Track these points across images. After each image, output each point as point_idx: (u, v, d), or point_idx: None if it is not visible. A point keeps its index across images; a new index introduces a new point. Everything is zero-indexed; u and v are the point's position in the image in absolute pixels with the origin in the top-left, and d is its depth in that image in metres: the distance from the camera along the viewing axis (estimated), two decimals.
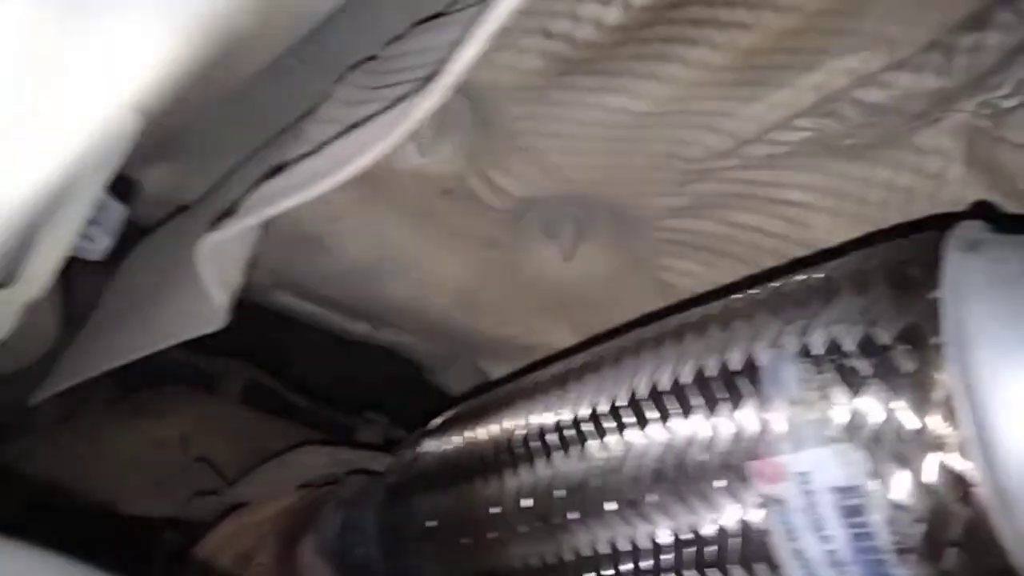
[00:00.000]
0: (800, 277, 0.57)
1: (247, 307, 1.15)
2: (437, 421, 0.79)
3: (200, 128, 0.85)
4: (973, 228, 0.53)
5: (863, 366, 0.49)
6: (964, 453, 0.46)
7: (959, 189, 0.76)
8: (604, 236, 0.91)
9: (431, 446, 0.76)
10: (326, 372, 1.47)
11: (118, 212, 0.71)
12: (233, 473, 1.09)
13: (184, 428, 1.16)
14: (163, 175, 0.98)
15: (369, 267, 0.95)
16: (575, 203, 0.88)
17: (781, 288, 0.58)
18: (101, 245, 0.71)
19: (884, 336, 0.49)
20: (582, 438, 0.62)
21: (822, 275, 0.56)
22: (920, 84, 0.72)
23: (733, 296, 0.61)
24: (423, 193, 0.87)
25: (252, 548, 0.94)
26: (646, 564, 0.58)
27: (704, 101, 0.76)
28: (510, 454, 0.67)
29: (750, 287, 0.61)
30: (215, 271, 0.66)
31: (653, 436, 0.57)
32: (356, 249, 0.93)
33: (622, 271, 0.93)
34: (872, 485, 0.48)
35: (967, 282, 0.48)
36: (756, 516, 0.52)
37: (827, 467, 0.49)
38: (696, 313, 0.62)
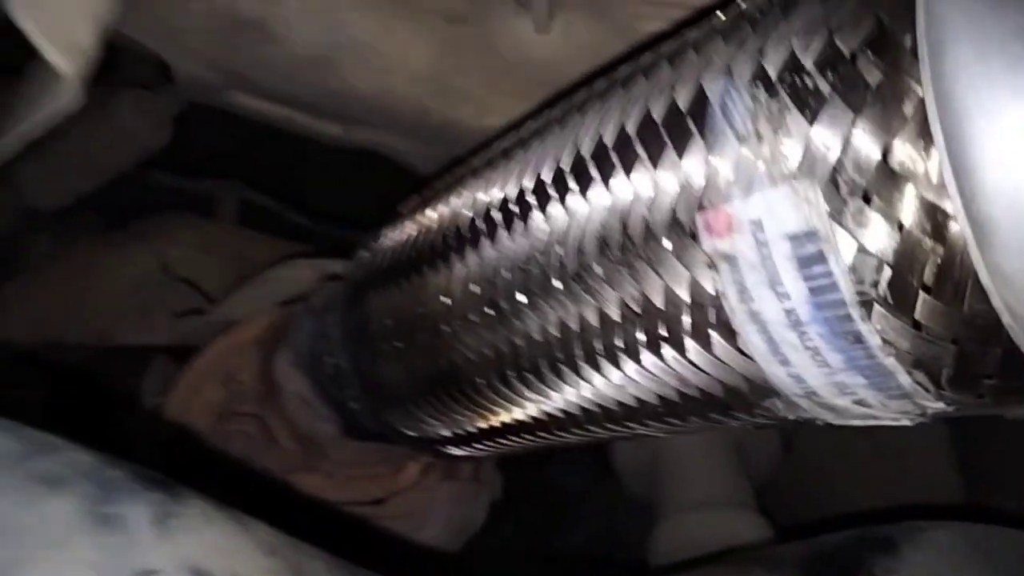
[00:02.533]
0: None
1: (236, 123, 1.11)
2: (397, 211, 0.74)
3: None
4: None
5: (823, 84, 0.41)
6: (938, 179, 0.38)
7: None
8: (580, 2, 0.82)
9: (387, 240, 0.71)
10: (329, 188, 1.43)
11: None
12: (218, 289, 1.06)
13: (168, 253, 1.13)
14: None
15: (322, 55, 0.88)
16: None
17: (741, 8, 0.49)
18: None
19: (848, 43, 0.41)
20: (525, 212, 0.56)
21: None
22: None
23: (690, 28, 0.53)
24: None
25: (237, 368, 0.93)
26: (598, 344, 0.53)
27: None
28: (457, 238, 0.61)
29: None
30: (39, 20, 0.56)
31: (595, 200, 0.51)
32: (303, 34, 0.86)
33: (604, 41, 0.84)
34: (830, 228, 0.41)
35: None
36: (706, 278, 0.46)
37: (780, 211, 0.42)
38: (649, 54, 0.54)
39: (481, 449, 0.71)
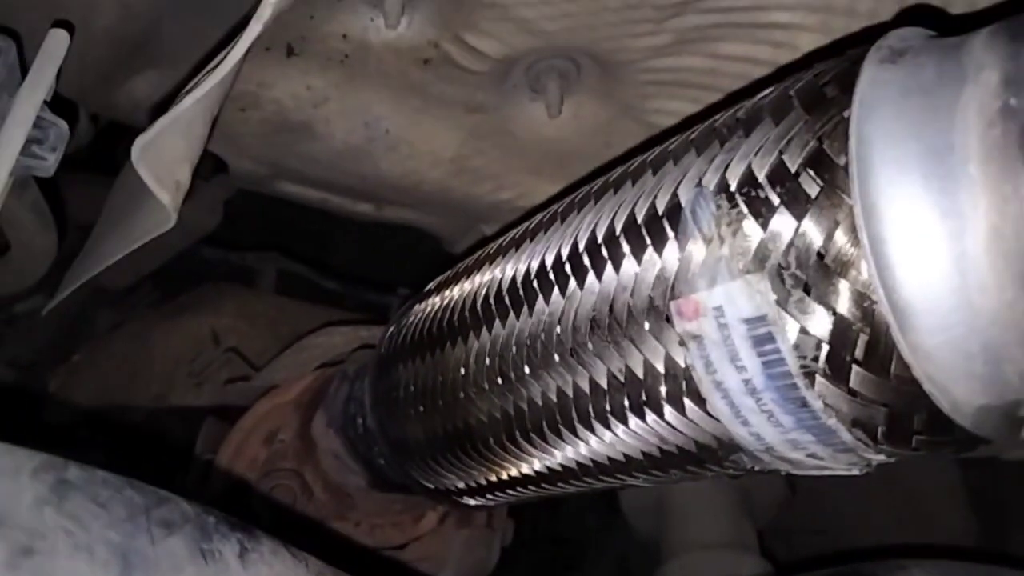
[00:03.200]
0: (732, 110, 0.58)
1: (267, 201, 1.22)
2: (427, 288, 0.84)
3: (169, 32, 0.89)
4: (901, 37, 0.51)
5: (773, 195, 0.50)
6: (865, 273, 0.47)
7: None
8: (590, 86, 0.92)
9: (413, 316, 0.81)
10: (358, 255, 1.54)
11: (61, 129, 0.76)
12: (264, 361, 1.17)
13: (216, 322, 1.24)
14: (146, 82, 1.01)
15: (359, 147, 0.98)
16: (556, 56, 0.89)
17: (714, 124, 0.58)
18: (48, 162, 0.76)
19: (793, 162, 0.49)
20: (531, 296, 0.65)
21: (750, 104, 0.56)
22: None
23: (672, 139, 0.62)
24: (401, 66, 0.89)
25: (279, 427, 1.02)
26: (591, 409, 0.61)
27: None
28: (473, 318, 0.70)
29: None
30: (153, 168, 0.68)
31: (589, 287, 0.60)
32: (343, 131, 0.96)
33: (612, 120, 0.94)
34: (778, 314, 0.49)
35: (878, 95, 0.47)
36: (679, 354, 0.55)
37: (737, 299, 0.51)
38: (636, 160, 0.63)
39: (492, 499, 0.79)
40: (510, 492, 0.77)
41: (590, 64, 0.90)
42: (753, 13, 0.80)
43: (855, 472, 0.56)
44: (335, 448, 0.95)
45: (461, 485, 0.79)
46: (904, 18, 0.71)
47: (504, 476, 0.74)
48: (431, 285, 0.83)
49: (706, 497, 1.28)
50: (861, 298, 0.47)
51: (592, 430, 0.62)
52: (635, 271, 0.56)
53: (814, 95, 0.51)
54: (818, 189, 0.48)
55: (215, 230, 1.38)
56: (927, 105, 0.46)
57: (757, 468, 0.58)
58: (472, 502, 0.82)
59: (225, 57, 0.66)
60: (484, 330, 0.69)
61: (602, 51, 0.87)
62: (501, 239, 0.75)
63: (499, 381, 0.67)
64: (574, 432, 0.64)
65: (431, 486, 0.83)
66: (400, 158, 1.01)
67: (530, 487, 0.74)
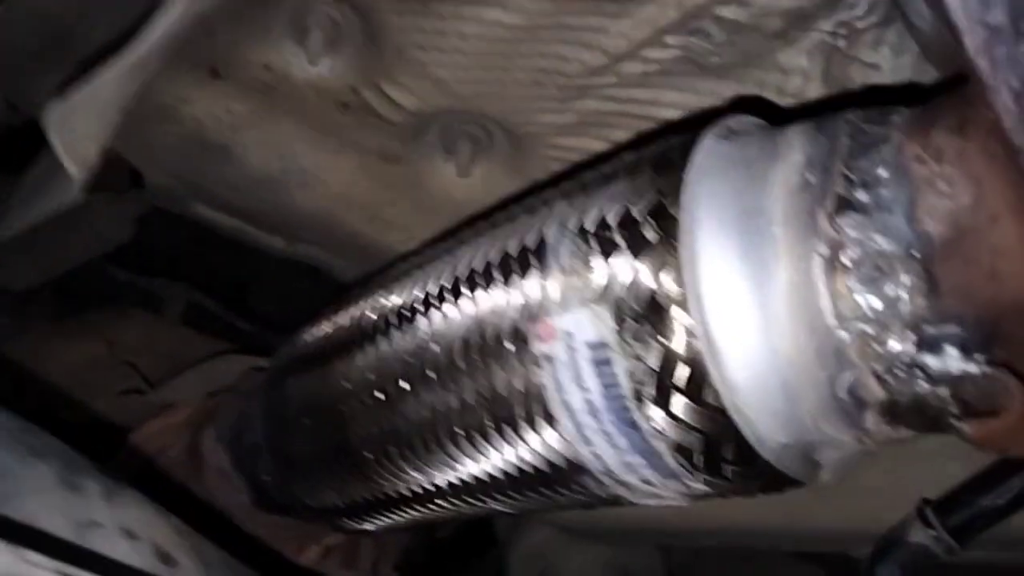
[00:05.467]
0: (599, 168, 0.71)
1: (185, 228, 1.32)
2: (320, 310, 0.95)
3: (94, 32, 1.00)
4: (740, 121, 0.66)
5: (618, 238, 0.62)
6: (686, 309, 0.59)
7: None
8: (499, 155, 1.04)
9: (306, 335, 0.92)
10: (270, 296, 1.63)
11: None
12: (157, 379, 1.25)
13: (115, 340, 1.32)
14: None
15: (274, 177, 1.09)
16: (468, 120, 1.01)
17: (583, 179, 0.71)
18: None
19: (638, 211, 0.62)
20: (413, 316, 0.76)
21: (612, 164, 0.69)
22: (777, 2, 0.84)
23: (550, 189, 0.74)
24: (321, 105, 1.01)
25: (169, 445, 1.11)
26: (461, 424, 0.72)
27: (575, 16, 0.88)
28: (360, 335, 0.82)
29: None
30: (63, 137, 0.80)
31: (464, 310, 0.72)
32: (259, 159, 1.07)
33: (518, 184, 1.06)
34: (615, 339, 0.61)
35: (710, 163, 0.61)
36: (535, 373, 0.66)
37: (584, 325, 0.63)
38: (517, 205, 0.76)
39: (369, 521, 0.89)
40: (386, 513, 0.87)
41: (500, 133, 1.03)
42: (648, 107, 0.94)
43: (684, 503, 0.68)
44: (222, 464, 1.04)
45: (340, 503, 0.89)
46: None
47: (380, 494, 0.84)
48: (324, 308, 0.94)
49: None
50: (685, 332, 0.59)
51: (459, 447, 0.73)
52: (505, 298, 0.68)
53: (662, 159, 0.64)
54: (657, 237, 0.61)
55: (125, 251, 1.45)
56: (746, 175, 0.60)
57: (603, 495, 0.69)
58: (350, 524, 0.92)
59: (146, 35, 0.75)
60: (369, 345, 0.79)
61: (511, 122, 1.00)
62: (393, 269, 0.86)
63: (380, 396, 0.78)
64: (444, 449, 0.74)
65: (313, 504, 0.92)
66: (313, 196, 1.12)
67: (404, 508, 0.84)
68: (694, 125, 0.66)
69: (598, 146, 0.99)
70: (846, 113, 0.59)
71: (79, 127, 0.80)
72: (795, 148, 0.59)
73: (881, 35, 0.84)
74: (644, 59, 0.91)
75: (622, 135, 0.98)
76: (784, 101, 0.90)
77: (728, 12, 0.86)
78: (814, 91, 0.89)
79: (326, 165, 1.09)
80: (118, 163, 1.08)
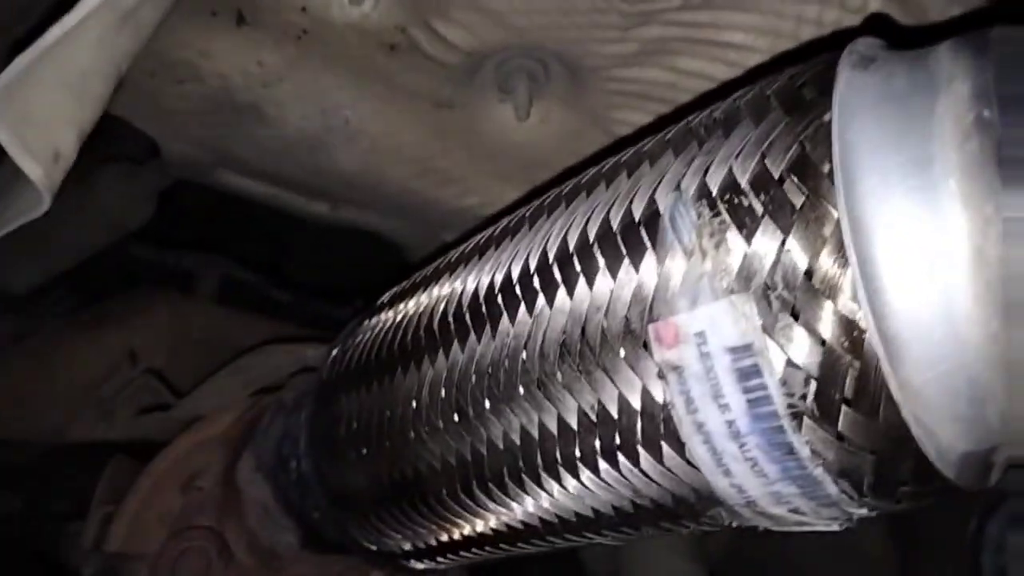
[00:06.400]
0: (708, 110, 0.60)
1: (220, 198, 1.21)
2: (379, 302, 0.84)
3: None
4: (868, 45, 0.54)
5: (756, 204, 0.51)
6: (853, 297, 0.47)
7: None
8: (558, 91, 0.97)
9: (361, 336, 0.80)
10: (314, 263, 1.53)
11: None
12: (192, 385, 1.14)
13: (137, 338, 1.21)
14: None
15: (314, 136, 1.01)
16: (525, 55, 0.94)
17: (689, 124, 0.60)
18: None
19: (777, 166, 0.51)
20: (494, 314, 0.65)
21: (726, 105, 0.58)
22: None
23: (646, 139, 0.63)
24: (365, 49, 0.93)
25: (199, 471, 1.00)
26: (559, 452, 0.61)
27: None
28: (429, 338, 0.71)
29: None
30: (17, 129, 0.63)
31: (559, 305, 0.60)
32: (296, 116, 0.99)
33: (579, 129, 0.99)
34: (764, 342, 0.49)
35: (857, 100, 0.50)
36: (657, 388, 0.55)
37: (721, 324, 0.51)
38: (609, 161, 0.64)
39: (443, 562, 0.78)
40: (463, 554, 0.77)
41: (559, 68, 0.96)
42: (711, 30, 0.89)
43: (834, 527, 0.57)
44: (263, 498, 0.94)
45: (408, 546, 0.79)
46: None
47: (457, 535, 0.74)
48: (384, 298, 0.86)
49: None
50: (850, 326, 0.48)
51: (559, 479, 0.63)
52: (610, 288, 0.57)
53: (793, 96, 0.54)
54: (803, 198, 0.50)
55: (148, 225, 1.35)
56: (904, 114, 0.48)
57: (735, 524, 0.58)
58: (420, 566, 0.81)
59: None
60: (440, 354, 0.70)
61: (570, 55, 0.94)
62: (463, 246, 0.77)
63: (455, 418, 0.68)
64: (538, 482, 0.65)
65: (373, 547, 0.82)
66: (360, 152, 1.04)
67: (486, 548, 0.74)
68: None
69: (660, 76, 0.94)
70: (991, 31, 0.48)
71: (41, 110, 0.65)
72: (956, 76, 0.47)
73: None
74: None
75: (684, 63, 0.92)
76: (848, 19, 0.84)
77: None
78: (874, 5, 0.82)
79: (372, 116, 1.01)
80: (127, 129, 0.98)
